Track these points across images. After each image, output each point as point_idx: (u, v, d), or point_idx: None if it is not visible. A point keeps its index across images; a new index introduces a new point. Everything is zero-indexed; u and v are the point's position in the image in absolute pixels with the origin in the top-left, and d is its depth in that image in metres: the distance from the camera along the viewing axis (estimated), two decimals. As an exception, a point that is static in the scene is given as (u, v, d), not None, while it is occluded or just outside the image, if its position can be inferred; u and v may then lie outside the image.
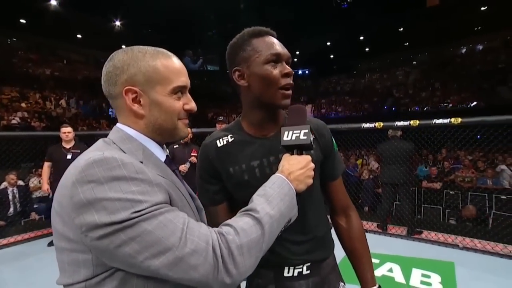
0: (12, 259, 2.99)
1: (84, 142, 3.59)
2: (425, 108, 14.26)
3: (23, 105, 10.81)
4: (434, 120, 3.23)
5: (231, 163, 0.76)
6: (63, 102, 12.29)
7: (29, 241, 3.52)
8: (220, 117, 4.01)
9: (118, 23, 17.09)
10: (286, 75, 0.71)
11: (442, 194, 4.91)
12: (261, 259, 0.78)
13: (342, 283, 0.85)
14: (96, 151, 0.50)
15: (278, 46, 0.72)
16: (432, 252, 3.03)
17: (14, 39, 15.46)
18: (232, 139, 0.78)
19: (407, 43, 19.66)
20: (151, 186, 0.48)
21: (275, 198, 0.55)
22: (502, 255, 2.91)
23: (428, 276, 2.50)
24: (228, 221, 0.52)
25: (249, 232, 0.50)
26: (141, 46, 0.58)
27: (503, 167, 5.37)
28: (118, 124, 0.59)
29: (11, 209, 4.18)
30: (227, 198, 0.79)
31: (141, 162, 0.53)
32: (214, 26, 19.70)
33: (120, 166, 0.47)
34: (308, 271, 0.77)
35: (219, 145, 0.78)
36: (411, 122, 3.32)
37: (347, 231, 0.85)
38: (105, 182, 0.45)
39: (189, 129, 3.72)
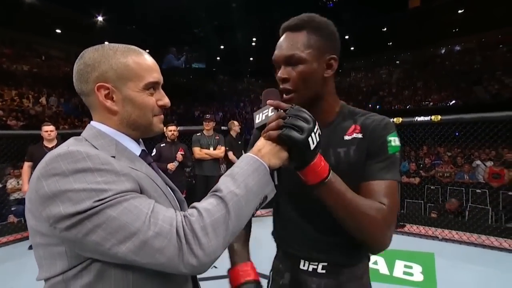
0: (-10, 264, 2.86)
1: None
2: (408, 106, 14.75)
3: (-3, 102, 10.26)
4: (416, 118, 3.36)
5: None
6: (43, 100, 11.76)
7: (8, 245, 3.37)
8: (207, 115, 3.99)
9: (100, 18, 16.53)
10: (279, 80, 0.71)
11: (423, 189, 5.12)
12: (284, 247, 0.82)
13: None
14: (63, 146, 0.51)
15: (276, 50, 0.71)
16: (414, 244, 3.17)
17: (-15, 33, 14.62)
18: None
19: (391, 43, 20.23)
20: (117, 176, 0.48)
21: (240, 176, 0.52)
22: (476, 245, 3.09)
23: (410, 267, 2.62)
24: (194, 204, 0.51)
25: (212, 211, 0.48)
26: (112, 44, 0.59)
27: (478, 162, 5.68)
28: (92, 122, 0.60)
29: (-13, 212, 3.98)
30: None
31: (114, 156, 0.53)
32: (200, 24, 19.45)
33: (85, 159, 0.47)
34: (324, 271, 0.75)
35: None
36: (395, 119, 3.44)
37: None
38: (69, 175, 0.45)
39: (175, 127, 3.69)
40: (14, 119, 9.61)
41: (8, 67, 12.91)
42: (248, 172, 0.53)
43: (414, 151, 7.21)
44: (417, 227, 3.61)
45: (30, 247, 3.20)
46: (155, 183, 0.58)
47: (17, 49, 14.62)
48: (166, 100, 0.62)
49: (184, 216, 0.48)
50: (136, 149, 0.61)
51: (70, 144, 0.53)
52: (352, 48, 21.61)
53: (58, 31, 16.69)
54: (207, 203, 0.50)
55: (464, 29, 16.71)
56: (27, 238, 3.49)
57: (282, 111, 0.58)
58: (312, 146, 0.56)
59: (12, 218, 4.17)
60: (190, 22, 18.99)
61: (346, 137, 0.72)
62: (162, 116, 0.63)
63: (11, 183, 4.97)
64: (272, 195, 0.58)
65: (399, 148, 0.71)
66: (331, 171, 0.61)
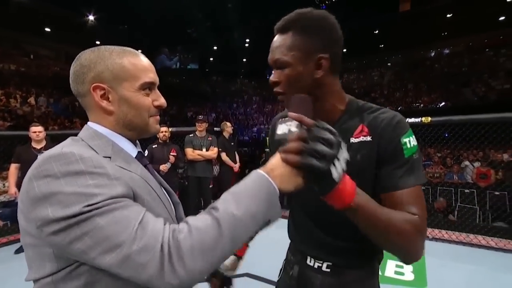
0: (-26, 269, 2.76)
1: (56, 142, 3.39)
2: (399, 108, 14.99)
3: (-17, 102, 9.97)
4: (407, 119, 3.42)
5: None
6: (31, 100, 11.47)
7: (-7, 249, 3.27)
8: (200, 116, 3.96)
9: (91, 17, 16.28)
10: (270, 83, 0.69)
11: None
12: (295, 241, 0.85)
13: None
14: (57, 147, 0.51)
15: (269, 53, 0.69)
16: (404, 244, 3.21)
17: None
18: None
19: (382, 45, 20.56)
20: (109, 180, 0.47)
21: (244, 196, 0.48)
22: (464, 243, 3.17)
23: (401, 267, 2.65)
24: (188, 218, 0.48)
25: (203, 232, 0.45)
26: (108, 46, 0.60)
27: (467, 163, 5.82)
28: (88, 123, 0.60)
29: (-28, 216, 3.85)
30: None
31: (109, 157, 0.54)
32: (194, 24, 19.36)
33: (78, 161, 0.47)
34: (328, 270, 0.76)
35: (279, 122, 0.86)
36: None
37: None
38: (61, 177, 0.45)
39: (166, 128, 3.65)
40: (1, 120, 9.35)
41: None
42: (254, 192, 0.49)
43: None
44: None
45: (17, 251, 3.11)
46: (149, 186, 0.57)
47: (4, 47, 14.23)
48: (162, 101, 0.63)
49: (173, 231, 0.45)
50: (132, 150, 0.61)
51: (65, 145, 0.53)
52: (344, 50, 21.85)
53: (48, 29, 16.34)
54: (200, 221, 0.47)
55: (453, 32, 17.15)
56: (13, 242, 3.39)
57: (304, 129, 0.51)
58: (335, 175, 0.49)
59: (-2, 222, 4.05)
60: (184, 23, 18.89)
61: (353, 140, 0.67)
62: (158, 117, 0.63)
63: (-3, 185, 4.83)
64: (276, 219, 0.53)
65: (417, 148, 0.65)
66: (357, 191, 0.55)
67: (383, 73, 19.26)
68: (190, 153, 3.67)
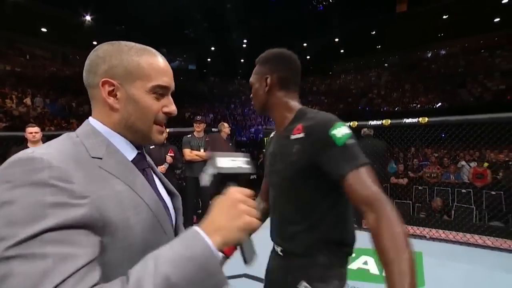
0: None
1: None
2: (396, 108, 15.07)
3: (-21, 103, 9.87)
4: (404, 120, 3.44)
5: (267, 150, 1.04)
6: (27, 100, 11.38)
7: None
8: (198, 117, 3.95)
9: (88, 17, 16.21)
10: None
11: (411, 190, 5.24)
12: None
13: (304, 283, 0.82)
14: (30, 149, 0.46)
15: None
16: (402, 244, 3.22)
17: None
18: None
19: (379, 46, 20.69)
20: (71, 198, 0.42)
21: (165, 264, 0.40)
22: (461, 243, 3.18)
23: (399, 266, 2.66)
24: (101, 286, 0.40)
25: None
26: (129, 42, 0.58)
27: (463, 163, 5.86)
28: (89, 118, 0.57)
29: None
30: None
31: (100, 158, 0.50)
32: (192, 25, 19.35)
33: (44, 169, 0.42)
34: (282, 254, 0.91)
35: (271, 135, 1.06)
36: (383, 121, 3.52)
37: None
38: (20, 186, 0.40)
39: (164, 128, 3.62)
40: (-4, 120, 9.26)
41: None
42: (177, 259, 0.40)
43: (402, 152, 7.37)
44: (406, 227, 3.68)
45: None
46: (139, 197, 0.52)
47: (-1, 47, 14.13)
48: (172, 108, 0.59)
49: None
50: (130, 152, 0.57)
51: (46, 145, 0.49)
52: (342, 51, 22.01)
53: (44, 29, 16.24)
54: None
55: (449, 34, 17.32)
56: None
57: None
58: None
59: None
60: (181, 23, 18.87)
61: (292, 137, 0.83)
62: (163, 128, 0.60)
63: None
64: (222, 286, 0.42)
65: (349, 135, 0.74)
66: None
67: (380, 73, 19.37)
68: (188, 153, 3.66)
